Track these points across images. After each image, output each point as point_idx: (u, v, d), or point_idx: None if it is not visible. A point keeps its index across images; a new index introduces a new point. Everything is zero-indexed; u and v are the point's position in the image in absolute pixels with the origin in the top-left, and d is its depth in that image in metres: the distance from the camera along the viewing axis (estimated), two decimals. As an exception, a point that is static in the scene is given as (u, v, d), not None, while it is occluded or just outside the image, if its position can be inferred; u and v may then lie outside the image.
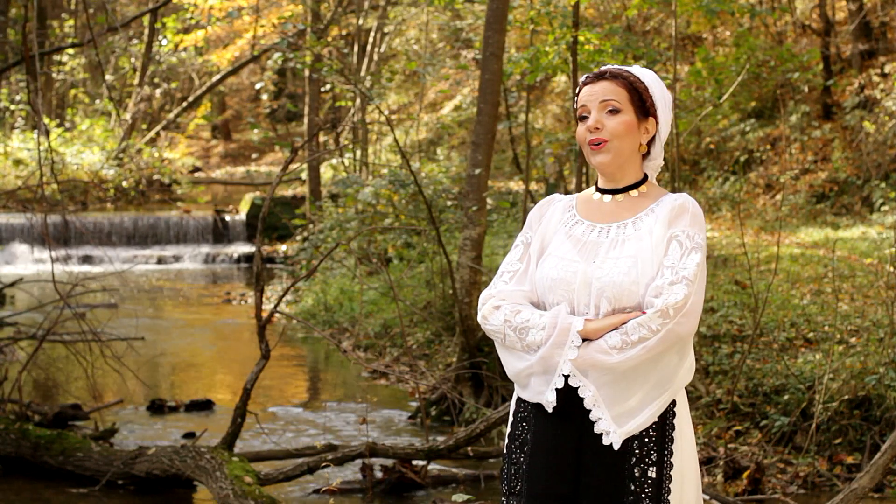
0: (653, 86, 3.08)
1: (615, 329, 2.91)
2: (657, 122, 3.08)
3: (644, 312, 2.91)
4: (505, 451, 3.09)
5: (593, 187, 3.15)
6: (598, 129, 3.02)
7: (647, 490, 2.93)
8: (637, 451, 2.93)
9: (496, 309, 3.04)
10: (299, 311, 13.64)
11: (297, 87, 30.37)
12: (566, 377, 2.93)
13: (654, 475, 2.93)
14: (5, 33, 16.04)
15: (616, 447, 2.91)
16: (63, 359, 10.20)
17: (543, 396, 2.96)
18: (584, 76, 3.13)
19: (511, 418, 3.10)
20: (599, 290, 2.95)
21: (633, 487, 2.92)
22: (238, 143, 35.11)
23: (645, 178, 3.09)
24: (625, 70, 3.07)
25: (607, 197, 3.09)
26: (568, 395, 2.94)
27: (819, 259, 11.38)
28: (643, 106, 3.06)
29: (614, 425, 2.91)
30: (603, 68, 3.10)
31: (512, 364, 3.03)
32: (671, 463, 2.96)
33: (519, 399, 3.08)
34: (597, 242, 3.02)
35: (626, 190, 3.08)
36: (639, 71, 3.10)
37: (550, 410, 2.95)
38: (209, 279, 18.27)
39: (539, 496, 2.97)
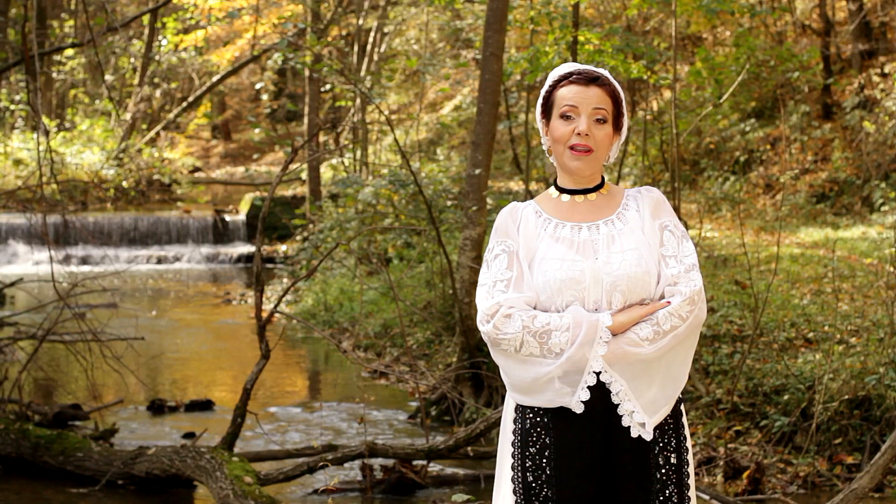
0: (623, 99, 3.10)
1: (642, 321, 2.96)
2: (620, 136, 3.12)
3: (669, 302, 2.97)
4: (514, 461, 3.02)
5: (551, 190, 3.14)
6: (587, 135, 3.02)
7: (671, 476, 3.00)
8: (660, 441, 2.99)
9: (508, 317, 2.96)
10: (299, 311, 13.63)
11: (297, 87, 30.35)
12: (597, 374, 2.94)
13: (675, 461, 3.01)
14: (5, 33, 16.04)
15: (648, 438, 2.95)
16: (63, 359, 10.20)
17: (572, 398, 2.94)
18: (569, 72, 3.07)
19: (512, 426, 3.04)
20: (612, 285, 2.98)
21: (658, 475, 2.99)
22: (238, 143, 35.09)
23: (603, 178, 3.13)
24: (610, 78, 3.07)
25: (579, 197, 3.09)
26: (591, 393, 2.95)
27: (819, 259, 11.37)
28: (618, 118, 3.08)
29: (647, 416, 2.95)
30: (594, 71, 3.06)
31: (526, 372, 2.96)
32: (686, 447, 3.04)
33: (524, 407, 3.02)
34: (591, 240, 3.03)
35: (595, 189, 3.10)
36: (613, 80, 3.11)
37: (580, 411, 2.94)
38: (209, 279, 18.27)
39: (571, 499, 2.97)
